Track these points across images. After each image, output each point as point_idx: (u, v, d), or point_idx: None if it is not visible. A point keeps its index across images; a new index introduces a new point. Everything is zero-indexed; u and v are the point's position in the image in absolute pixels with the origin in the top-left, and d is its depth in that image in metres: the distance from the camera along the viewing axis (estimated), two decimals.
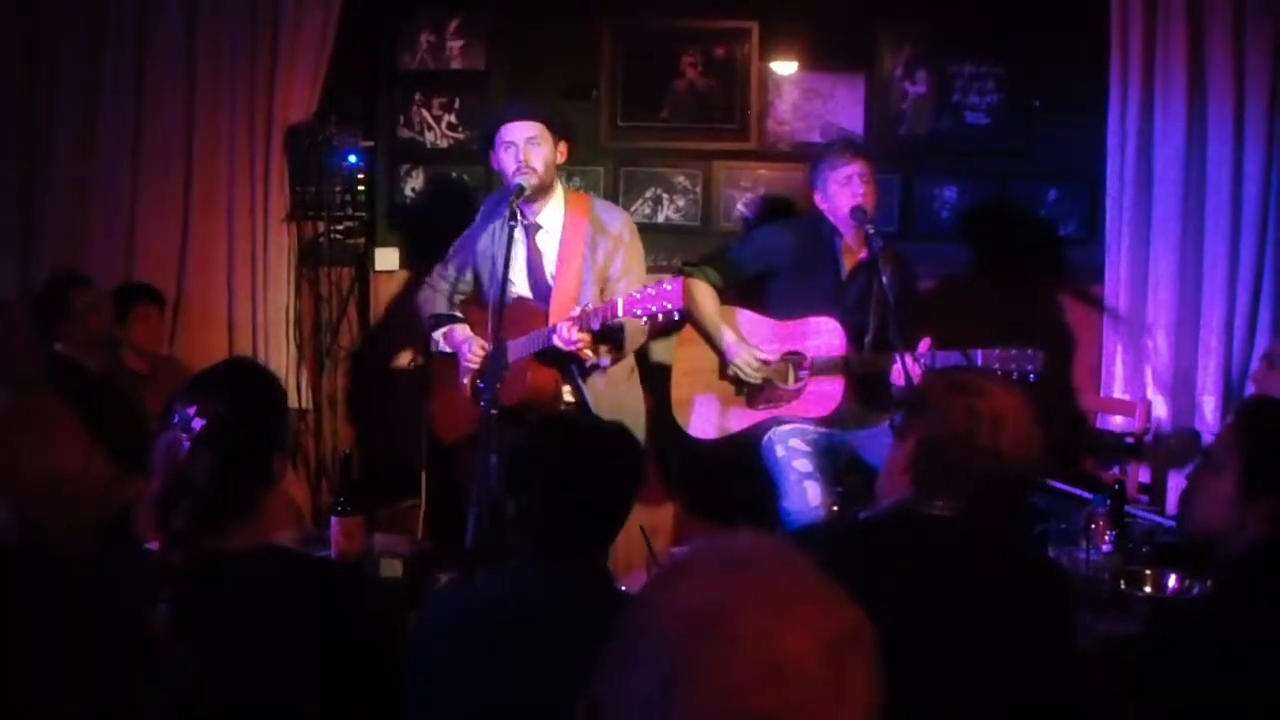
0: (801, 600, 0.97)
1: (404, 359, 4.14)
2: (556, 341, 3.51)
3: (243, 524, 1.89)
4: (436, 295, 4.00)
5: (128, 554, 1.95)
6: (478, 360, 3.76)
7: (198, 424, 1.86)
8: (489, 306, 3.83)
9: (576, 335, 3.47)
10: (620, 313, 3.41)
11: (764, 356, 3.88)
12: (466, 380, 3.83)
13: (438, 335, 3.92)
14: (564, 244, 3.79)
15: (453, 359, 3.89)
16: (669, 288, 3.32)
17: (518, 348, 3.62)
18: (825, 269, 3.94)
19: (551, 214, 3.81)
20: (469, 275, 3.97)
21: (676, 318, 3.46)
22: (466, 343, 3.83)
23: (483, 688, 1.86)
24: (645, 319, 3.38)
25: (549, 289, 3.79)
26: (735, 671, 0.92)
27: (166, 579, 1.81)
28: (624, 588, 2.24)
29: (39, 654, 0.92)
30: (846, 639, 0.96)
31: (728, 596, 0.96)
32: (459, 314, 3.96)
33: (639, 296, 3.36)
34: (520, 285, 3.81)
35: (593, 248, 3.78)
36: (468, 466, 3.51)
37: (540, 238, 3.80)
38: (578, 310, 3.52)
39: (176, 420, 1.87)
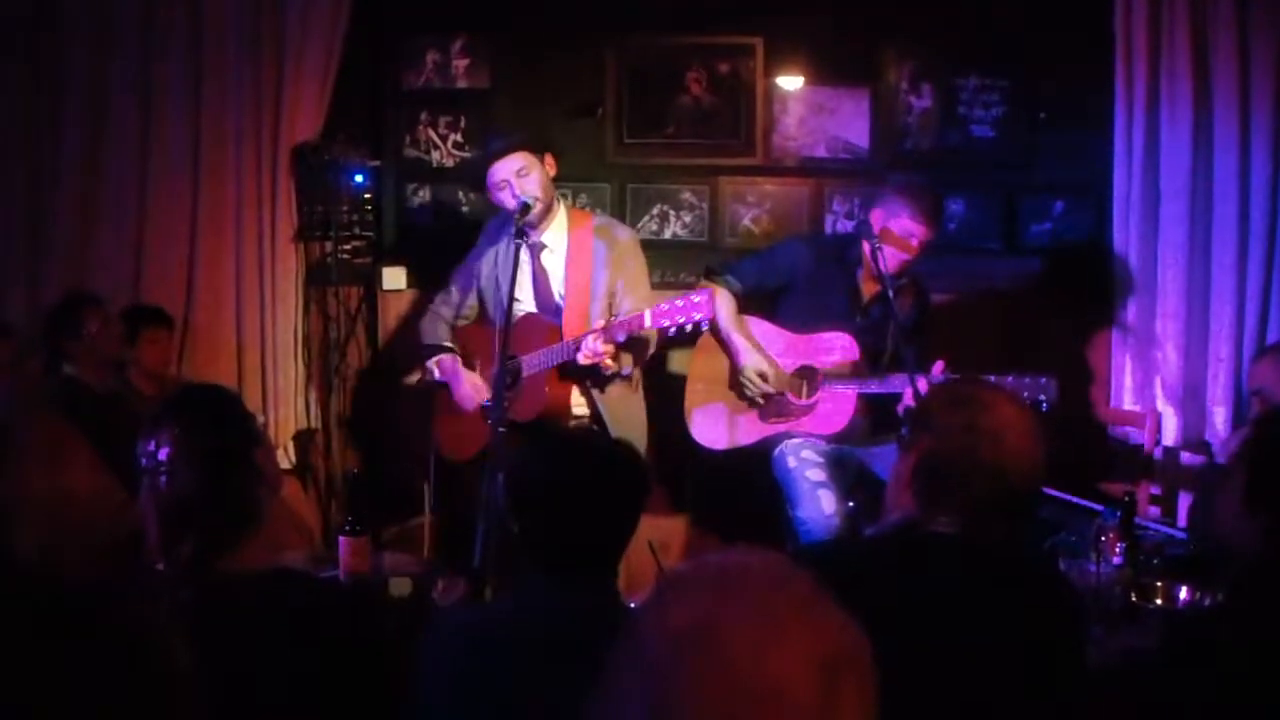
0: (793, 620, 0.95)
1: (414, 377, 4.15)
2: (581, 355, 3.51)
3: (253, 534, 1.89)
4: (439, 323, 4.01)
5: (139, 577, 1.95)
6: (471, 403, 3.82)
7: (164, 454, 1.86)
8: (496, 327, 3.86)
9: (602, 346, 3.48)
10: (648, 324, 3.43)
11: (766, 370, 3.82)
12: (470, 405, 3.86)
13: (431, 364, 3.95)
14: (571, 261, 3.80)
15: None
16: (698, 299, 3.35)
17: (534, 362, 3.65)
18: (842, 293, 3.91)
19: (556, 233, 3.82)
20: (473, 300, 3.99)
21: (705, 328, 3.45)
22: (458, 381, 3.86)
23: (490, 708, 1.85)
24: (673, 329, 3.39)
25: (557, 307, 3.80)
26: (723, 693, 0.91)
27: (173, 613, 1.80)
28: (633, 605, 2.23)
29: (66, 683, 0.91)
30: (839, 659, 0.94)
31: (716, 617, 0.94)
32: (449, 344, 3.97)
33: (667, 308, 3.38)
34: (527, 304, 3.82)
35: (600, 264, 3.79)
36: (475, 484, 3.51)
37: (546, 257, 3.81)
38: (601, 322, 3.53)
39: (145, 464, 1.87)
